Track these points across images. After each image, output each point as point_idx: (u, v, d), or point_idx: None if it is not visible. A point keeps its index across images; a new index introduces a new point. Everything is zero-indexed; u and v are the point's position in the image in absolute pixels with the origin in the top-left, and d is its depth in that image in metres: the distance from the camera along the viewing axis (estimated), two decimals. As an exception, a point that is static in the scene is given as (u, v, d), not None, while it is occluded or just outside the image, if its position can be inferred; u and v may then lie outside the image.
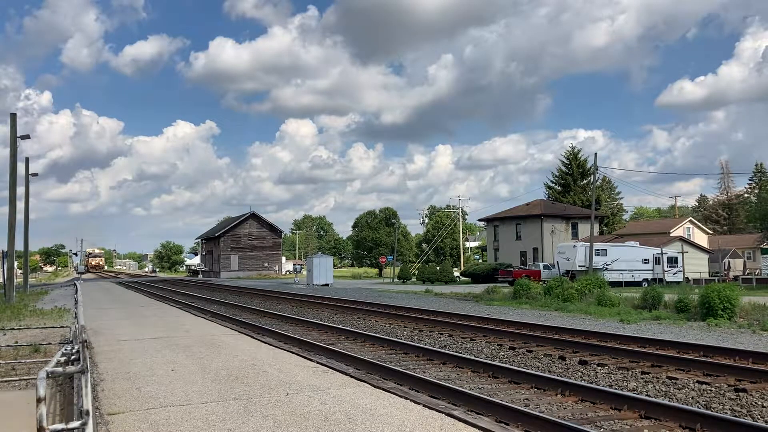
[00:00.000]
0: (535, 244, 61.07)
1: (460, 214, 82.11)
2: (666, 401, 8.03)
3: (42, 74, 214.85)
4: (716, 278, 45.31)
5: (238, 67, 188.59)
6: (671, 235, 60.50)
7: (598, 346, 12.64)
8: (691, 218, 72.97)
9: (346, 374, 8.26)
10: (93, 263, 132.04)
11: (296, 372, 8.37)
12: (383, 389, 7.28)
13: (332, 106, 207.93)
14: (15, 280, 30.01)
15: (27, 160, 40.39)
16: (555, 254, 50.08)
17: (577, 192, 73.98)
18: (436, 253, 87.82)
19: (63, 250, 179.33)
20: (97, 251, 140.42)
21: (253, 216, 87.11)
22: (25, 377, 9.85)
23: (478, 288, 37.92)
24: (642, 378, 9.89)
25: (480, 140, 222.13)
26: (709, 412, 7.40)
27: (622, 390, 8.87)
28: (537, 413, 7.08)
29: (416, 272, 68.30)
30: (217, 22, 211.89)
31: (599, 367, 10.79)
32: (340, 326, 16.82)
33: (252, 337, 12.46)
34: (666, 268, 46.44)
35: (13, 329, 14.32)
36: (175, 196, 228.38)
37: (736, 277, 47.69)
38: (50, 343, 12.61)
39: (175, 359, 9.48)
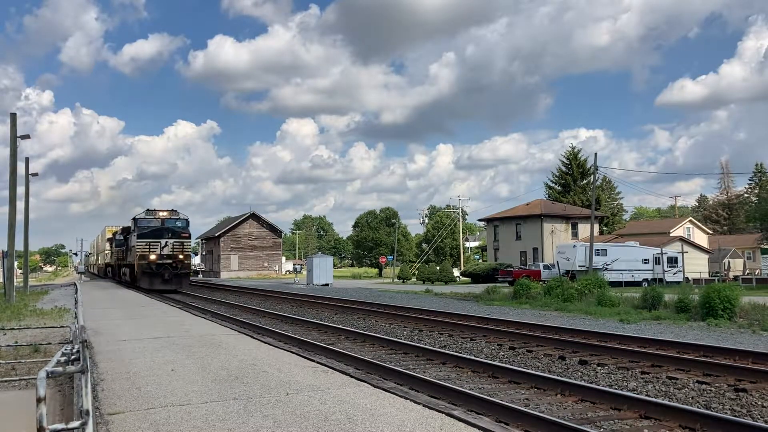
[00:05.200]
0: (535, 244, 61.06)
1: (460, 214, 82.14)
2: (666, 401, 8.02)
3: (42, 73, 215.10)
4: (716, 278, 45.31)
5: (238, 66, 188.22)
6: (671, 235, 60.51)
7: (598, 346, 12.64)
8: (691, 218, 72.99)
9: (346, 374, 8.25)
10: (151, 257, 34.76)
11: (296, 372, 8.37)
12: (383, 389, 7.28)
13: (333, 106, 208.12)
14: (15, 280, 30.01)
15: (27, 160, 40.33)
16: (555, 254, 50.08)
17: (577, 192, 74.00)
18: (436, 253, 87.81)
19: (63, 250, 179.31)
20: (163, 213, 37.28)
21: (253, 216, 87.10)
22: (25, 377, 9.84)
23: (478, 288, 37.90)
24: (642, 378, 9.89)
25: (481, 140, 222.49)
26: (709, 412, 7.40)
27: (622, 390, 8.86)
28: (537, 413, 7.08)
29: (416, 272, 68.31)
30: (216, 20, 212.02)
31: (599, 367, 10.78)
32: (340, 326, 16.82)
33: (252, 337, 12.46)
34: (666, 268, 46.44)
35: (13, 329, 14.30)
36: (175, 196, 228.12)
37: (736, 277, 47.70)
38: (50, 343, 12.59)
39: (175, 359, 9.48)
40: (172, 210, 37.36)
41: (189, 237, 37.04)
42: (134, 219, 36.59)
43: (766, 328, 16.32)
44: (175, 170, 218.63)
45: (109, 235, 55.17)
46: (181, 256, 35.43)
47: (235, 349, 10.50)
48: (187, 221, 37.33)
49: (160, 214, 36.61)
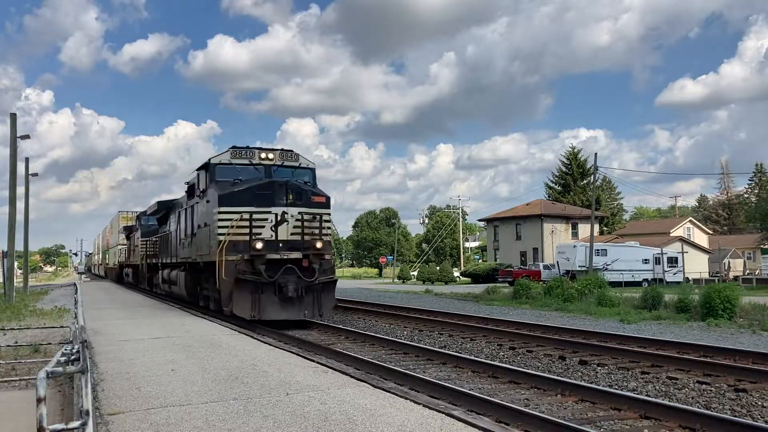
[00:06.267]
0: (535, 244, 61.09)
1: (460, 214, 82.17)
2: (666, 401, 8.03)
3: (42, 73, 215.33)
4: (716, 278, 45.33)
5: (238, 66, 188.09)
6: (671, 235, 60.59)
7: (598, 346, 12.64)
8: (691, 218, 73.05)
9: (346, 374, 8.25)
10: (256, 246, 15.47)
11: (296, 372, 8.36)
12: (383, 389, 7.27)
13: (333, 106, 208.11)
14: (15, 280, 30.02)
15: (27, 160, 40.35)
16: (555, 254, 50.10)
17: (577, 192, 74.00)
18: (436, 253, 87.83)
19: (63, 250, 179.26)
20: (268, 154, 17.23)
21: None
22: (25, 377, 9.85)
23: (478, 288, 37.91)
24: (642, 378, 9.89)
25: (481, 140, 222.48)
26: (709, 412, 7.40)
27: (622, 390, 8.86)
28: (537, 413, 7.08)
29: (416, 272, 68.32)
30: (216, 20, 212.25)
31: (599, 367, 10.79)
32: (340, 326, 16.80)
33: (252, 337, 12.45)
34: (666, 268, 46.47)
35: (13, 329, 14.31)
36: (176, 196, 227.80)
37: (736, 277, 47.74)
38: (50, 344, 12.60)
39: (175, 359, 9.48)
40: (284, 149, 17.81)
41: (327, 204, 17.10)
42: (208, 166, 17.21)
43: (767, 328, 16.32)
44: (175, 170, 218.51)
45: (125, 224, 40.04)
46: (319, 245, 16.23)
47: (235, 349, 10.49)
48: (313, 172, 17.96)
49: (263, 155, 17.21)
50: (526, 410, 7.20)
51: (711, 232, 73.21)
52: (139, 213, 33.13)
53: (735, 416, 7.43)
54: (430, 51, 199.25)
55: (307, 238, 16.13)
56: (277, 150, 17.57)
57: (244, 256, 15.54)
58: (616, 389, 8.87)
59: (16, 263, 32.90)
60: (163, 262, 24.56)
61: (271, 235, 15.80)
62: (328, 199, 17.04)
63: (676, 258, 47.61)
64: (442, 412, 6.13)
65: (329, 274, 16.62)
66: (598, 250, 43.31)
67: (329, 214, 16.96)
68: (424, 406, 6.40)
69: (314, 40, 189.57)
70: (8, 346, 12.03)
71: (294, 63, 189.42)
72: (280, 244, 15.90)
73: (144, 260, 29.74)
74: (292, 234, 16.01)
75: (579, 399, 8.19)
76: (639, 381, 9.68)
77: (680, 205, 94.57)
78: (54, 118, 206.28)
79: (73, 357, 6.40)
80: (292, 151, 17.84)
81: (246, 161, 17.09)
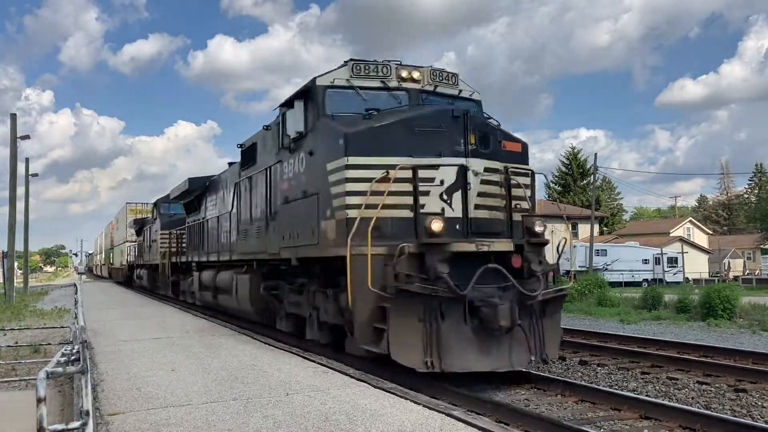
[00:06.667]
0: (535, 244, 61.04)
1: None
2: (666, 401, 8.03)
3: (42, 73, 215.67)
4: (716, 278, 45.36)
5: (238, 66, 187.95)
6: (671, 235, 60.65)
7: (598, 347, 12.63)
8: (691, 218, 73.12)
9: (346, 374, 8.24)
10: (432, 228, 7.79)
11: (296, 372, 8.36)
12: (383, 389, 7.27)
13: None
14: (15, 281, 30.02)
15: (27, 160, 40.46)
16: (555, 254, 50.05)
17: (577, 192, 73.98)
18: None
19: (63, 251, 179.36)
20: (410, 72, 9.80)
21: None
22: (25, 378, 9.85)
23: (478, 288, 37.82)
24: (642, 378, 9.88)
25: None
26: (709, 412, 7.41)
27: (622, 390, 8.86)
28: (537, 413, 7.09)
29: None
30: (216, 20, 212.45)
31: (599, 368, 10.78)
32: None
33: (252, 337, 12.45)
34: (666, 269, 46.51)
35: (14, 329, 14.32)
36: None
37: (736, 278, 47.79)
38: (50, 344, 12.60)
39: (176, 359, 9.48)
40: (436, 68, 10.36)
41: (526, 154, 10.10)
42: (312, 91, 9.89)
43: (767, 329, 16.31)
44: (175, 170, 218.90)
45: (135, 217, 34.96)
46: (538, 227, 8.66)
47: (235, 349, 10.49)
48: (479, 105, 11.28)
49: (404, 73, 10.02)
50: (526, 410, 7.20)
51: (711, 232, 73.26)
52: (158, 199, 26.93)
53: (735, 416, 7.43)
54: (430, 51, 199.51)
55: (518, 214, 9.21)
56: (425, 67, 10.39)
57: (406, 247, 8.19)
58: (616, 389, 8.86)
59: (16, 263, 32.92)
60: (200, 261, 18.26)
61: (443, 208, 8.53)
62: (525, 146, 10.24)
63: (676, 258, 47.66)
64: (442, 413, 6.13)
65: (551, 282, 9.29)
66: (598, 250, 43.32)
67: (532, 178, 10.03)
68: (424, 406, 6.40)
69: (314, 40, 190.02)
70: (8, 346, 12.03)
71: (294, 63, 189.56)
72: (475, 227, 8.66)
73: (167, 259, 22.86)
74: (480, 207, 8.75)
75: (579, 399, 8.19)
76: (639, 381, 9.67)
77: (680, 205, 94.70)
78: (54, 118, 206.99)
79: (73, 357, 6.41)
80: (445, 70, 10.67)
81: (377, 83, 10.11)
